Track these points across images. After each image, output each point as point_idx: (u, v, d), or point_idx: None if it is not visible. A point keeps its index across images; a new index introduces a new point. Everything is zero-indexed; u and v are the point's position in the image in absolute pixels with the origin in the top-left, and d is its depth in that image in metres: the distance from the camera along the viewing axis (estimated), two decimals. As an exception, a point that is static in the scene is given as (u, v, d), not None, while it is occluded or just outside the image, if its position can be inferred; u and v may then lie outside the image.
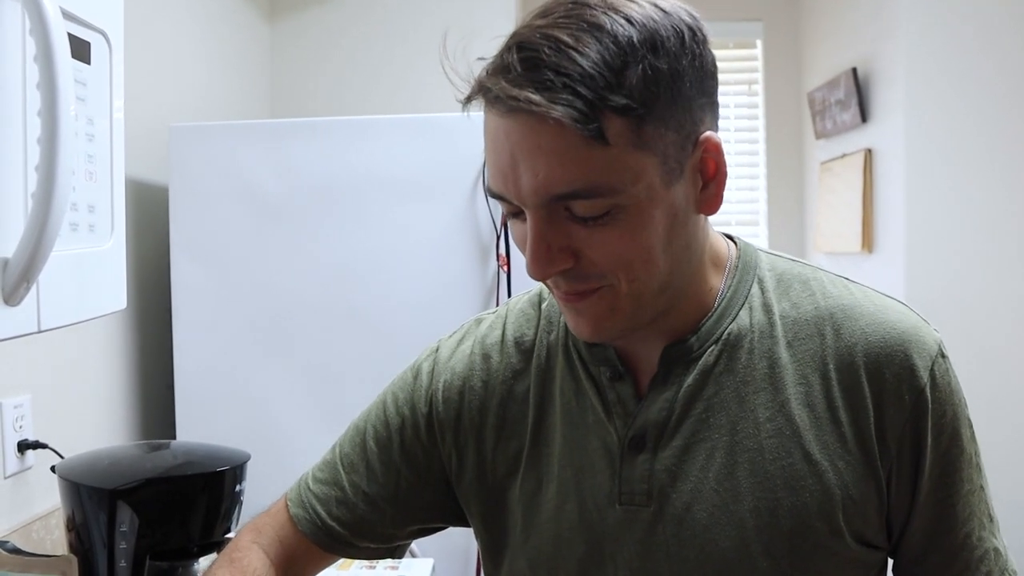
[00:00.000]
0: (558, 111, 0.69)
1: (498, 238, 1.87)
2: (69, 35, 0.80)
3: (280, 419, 1.96)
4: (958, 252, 3.04)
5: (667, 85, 0.72)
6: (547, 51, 0.71)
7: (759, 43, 4.01)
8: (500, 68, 0.73)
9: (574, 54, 0.70)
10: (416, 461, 0.95)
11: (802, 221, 4.08)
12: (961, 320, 2.88)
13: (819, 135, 3.77)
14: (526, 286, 1.98)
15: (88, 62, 0.91)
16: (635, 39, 0.71)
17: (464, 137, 1.89)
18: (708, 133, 0.77)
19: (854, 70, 3.35)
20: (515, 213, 0.78)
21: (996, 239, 3.04)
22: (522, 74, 0.71)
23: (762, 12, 4.01)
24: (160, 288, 2.05)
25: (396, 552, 1.04)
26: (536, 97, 0.70)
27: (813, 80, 3.84)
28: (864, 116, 3.36)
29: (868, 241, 3.34)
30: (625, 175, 0.72)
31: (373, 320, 1.93)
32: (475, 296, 1.90)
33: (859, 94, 3.35)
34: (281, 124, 2.00)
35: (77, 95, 0.87)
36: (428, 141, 1.91)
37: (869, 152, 3.34)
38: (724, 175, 0.79)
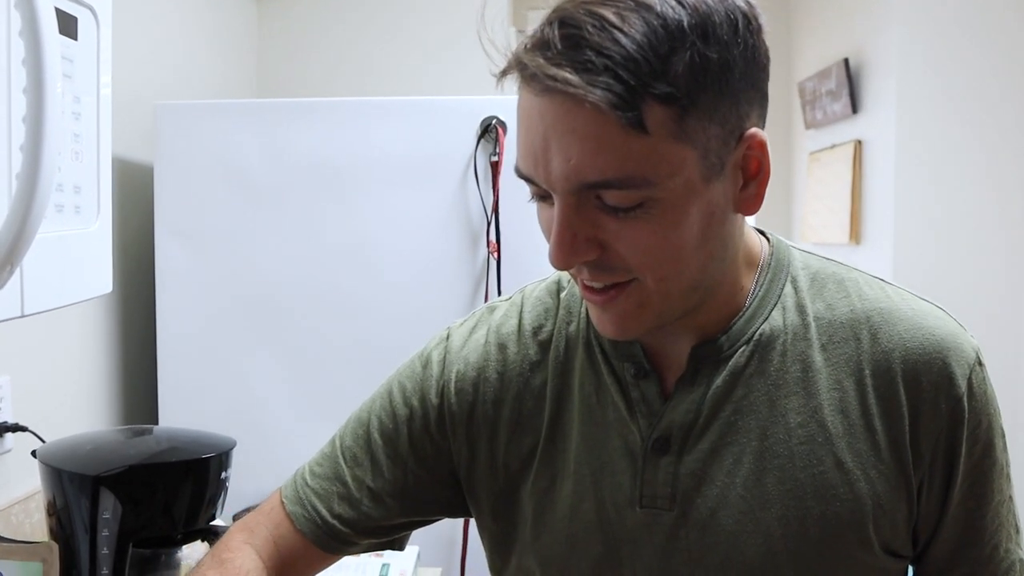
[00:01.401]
0: (596, 94, 0.65)
1: (489, 224, 1.85)
2: (56, 9, 0.77)
3: (264, 404, 1.94)
4: (946, 245, 3.05)
5: (715, 76, 0.68)
6: (590, 29, 0.66)
7: (750, 31, 4.00)
8: (539, 43, 0.69)
9: (619, 34, 0.65)
10: (424, 454, 0.91)
11: (789, 211, 4.08)
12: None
13: (809, 125, 3.76)
14: (515, 273, 1.97)
15: (75, 38, 0.88)
16: (685, 23, 0.66)
17: (456, 121, 1.86)
18: (754, 130, 0.73)
19: (846, 60, 3.34)
20: (542, 196, 0.75)
21: (984, 232, 3.05)
22: (562, 52, 0.67)
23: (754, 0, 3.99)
24: (144, 270, 2.02)
25: (395, 544, 1.00)
26: (574, 78, 0.66)
27: (804, 70, 3.83)
28: (855, 107, 3.35)
29: (856, 232, 3.34)
30: (662, 167, 0.68)
31: (360, 305, 1.91)
32: (464, 282, 1.88)
33: (850, 85, 3.34)
34: (270, 104, 1.97)
35: (64, 72, 0.84)
36: (419, 125, 1.88)
37: (859, 143, 3.33)
38: (767, 174, 0.74)
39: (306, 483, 0.94)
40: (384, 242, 1.90)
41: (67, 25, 0.85)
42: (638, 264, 0.73)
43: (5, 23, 0.74)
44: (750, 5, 0.71)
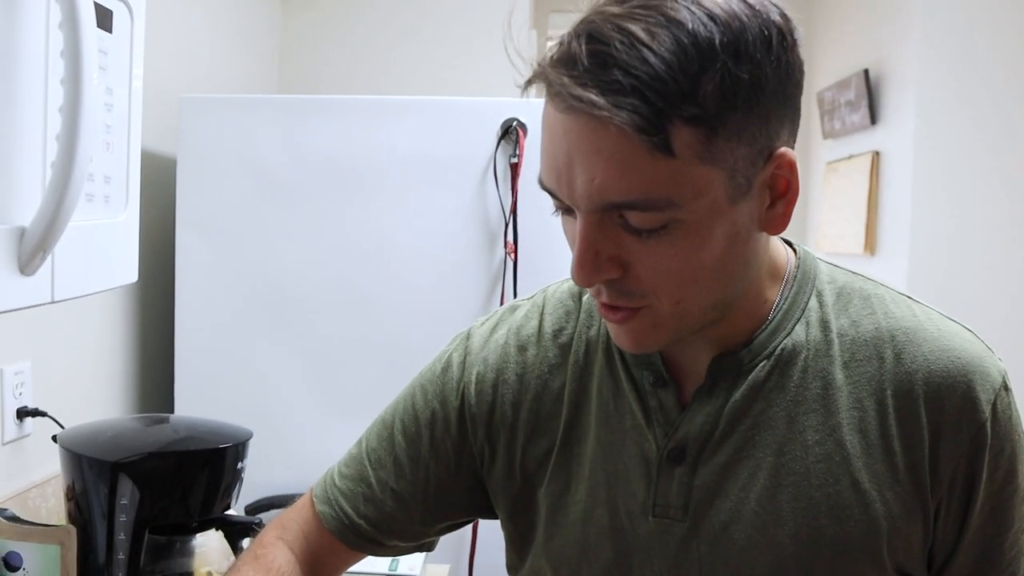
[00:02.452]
0: (622, 117, 0.63)
1: (506, 225, 1.86)
2: (93, 2, 0.79)
3: (279, 398, 1.95)
4: (961, 258, 3.04)
5: (745, 96, 0.66)
6: (618, 46, 0.64)
7: (771, 40, 4.00)
8: (566, 58, 0.67)
9: (647, 53, 0.63)
10: (447, 457, 0.92)
11: (805, 220, 4.08)
12: (961, 327, 2.88)
13: (827, 135, 3.76)
14: (533, 275, 1.98)
15: (110, 31, 0.90)
16: (717, 41, 0.64)
17: (477, 121, 1.88)
18: (784, 149, 0.71)
19: (866, 71, 3.34)
20: (567, 210, 0.73)
21: (1000, 245, 3.04)
22: (588, 70, 0.65)
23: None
24: (164, 260, 2.04)
25: (425, 547, 1.01)
26: (600, 100, 0.64)
27: (823, 80, 3.83)
28: (873, 118, 3.35)
29: (871, 243, 3.34)
30: (687, 189, 0.67)
31: (377, 302, 1.92)
32: (481, 282, 1.89)
33: (869, 96, 3.34)
34: (293, 100, 1.99)
35: (99, 64, 0.86)
36: (440, 124, 1.90)
37: (877, 154, 3.33)
38: (795, 194, 0.73)
39: (334, 483, 0.96)
40: (402, 240, 1.91)
41: (103, 18, 0.87)
42: (656, 287, 0.72)
43: (44, 15, 0.76)
44: (785, 19, 0.70)
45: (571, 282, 0.93)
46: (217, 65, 2.43)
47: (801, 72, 0.72)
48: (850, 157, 3.54)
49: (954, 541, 0.79)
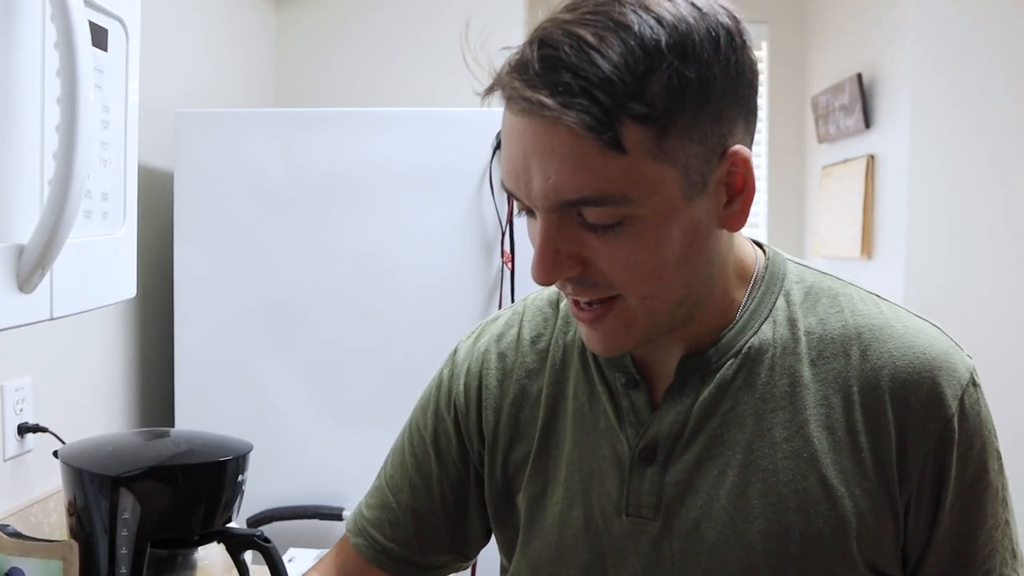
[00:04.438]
0: (571, 117, 0.66)
1: (503, 234, 1.87)
2: (88, 22, 0.79)
3: (279, 410, 1.96)
4: (959, 261, 3.05)
5: (694, 95, 0.68)
6: (567, 50, 0.67)
7: (764, 45, 4.01)
8: (519, 65, 0.70)
9: (595, 56, 0.66)
10: (454, 468, 0.95)
11: (801, 224, 4.09)
12: (960, 330, 2.88)
13: (821, 139, 3.77)
14: (530, 283, 1.98)
15: (105, 49, 0.90)
16: (663, 43, 0.67)
17: (472, 132, 1.89)
18: (737, 147, 0.73)
19: (859, 75, 3.35)
20: (529, 210, 0.76)
21: (997, 249, 3.05)
22: (539, 73, 0.68)
23: (768, 14, 4.00)
24: (162, 275, 2.05)
25: (464, 557, 1.02)
26: (549, 101, 0.67)
27: (817, 84, 3.85)
28: (868, 122, 3.36)
29: (868, 247, 3.35)
30: (641, 185, 0.69)
31: (376, 312, 1.93)
32: (478, 291, 1.90)
33: (863, 100, 3.35)
34: (289, 113, 2.00)
35: (94, 82, 0.86)
36: (436, 135, 1.91)
37: (872, 158, 3.34)
38: (752, 191, 0.74)
39: (363, 515, 1.00)
40: (399, 251, 1.92)
41: (98, 37, 0.88)
42: (619, 281, 0.73)
43: (40, 34, 0.77)
44: (735, 20, 0.72)
45: (550, 290, 0.95)
46: (213, 79, 2.44)
47: (753, 72, 0.74)
48: (845, 161, 3.56)
49: (926, 538, 0.79)
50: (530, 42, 0.70)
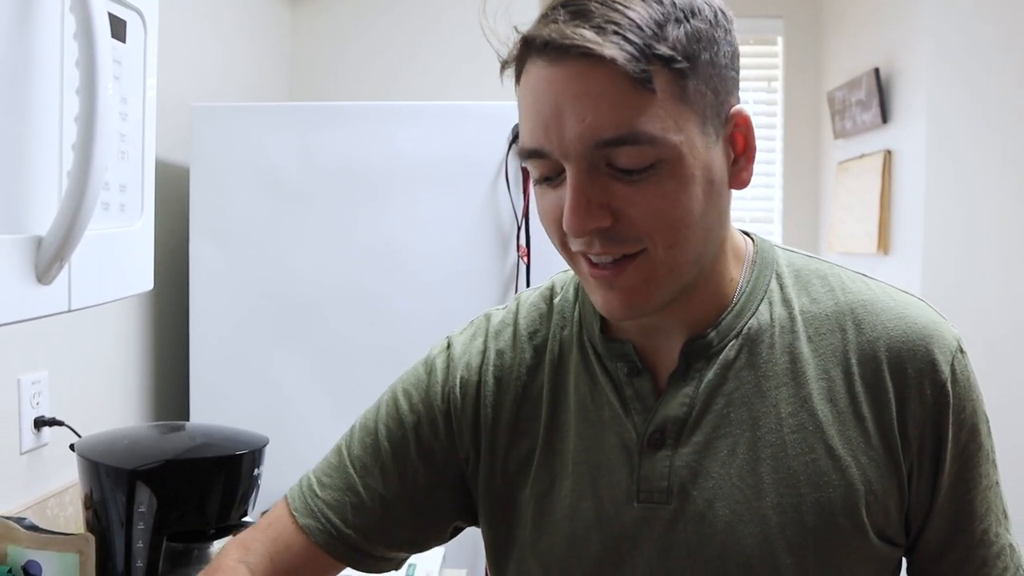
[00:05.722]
0: (611, 50, 0.70)
1: (519, 229, 1.86)
2: (107, 13, 0.79)
3: (293, 404, 1.96)
4: (976, 256, 3.03)
5: (707, 46, 0.74)
6: (595, 4, 0.72)
7: (780, 40, 3.99)
8: (550, 18, 0.74)
9: (621, 6, 0.72)
10: (434, 460, 0.92)
11: (817, 220, 4.07)
12: (977, 324, 2.87)
13: (838, 135, 3.75)
14: (545, 277, 1.98)
15: (124, 40, 0.90)
16: (676, 2, 0.74)
17: (488, 126, 1.88)
18: (739, 107, 0.78)
19: (876, 70, 3.33)
20: (547, 177, 0.77)
21: (1015, 244, 3.03)
22: (573, 20, 0.72)
23: (783, 9, 3.98)
24: (178, 269, 2.05)
25: (417, 552, 0.98)
26: (590, 34, 0.71)
27: (833, 79, 3.82)
28: (885, 117, 3.34)
29: (884, 242, 3.33)
30: (669, 124, 0.73)
31: (390, 307, 1.93)
32: (493, 286, 1.90)
33: (880, 95, 3.33)
34: (304, 107, 2.00)
35: (113, 74, 0.86)
36: (451, 129, 1.90)
37: (889, 153, 3.32)
38: (753, 151, 0.79)
39: (316, 495, 0.93)
40: (414, 245, 1.92)
41: (117, 28, 0.87)
42: (649, 230, 0.75)
43: (59, 26, 0.77)
44: (724, 4, 0.79)
45: (543, 287, 0.96)
46: (228, 74, 2.44)
47: (737, 56, 0.80)
48: (862, 156, 3.53)
49: (928, 502, 0.83)
50: (553, 7, 0.75)
